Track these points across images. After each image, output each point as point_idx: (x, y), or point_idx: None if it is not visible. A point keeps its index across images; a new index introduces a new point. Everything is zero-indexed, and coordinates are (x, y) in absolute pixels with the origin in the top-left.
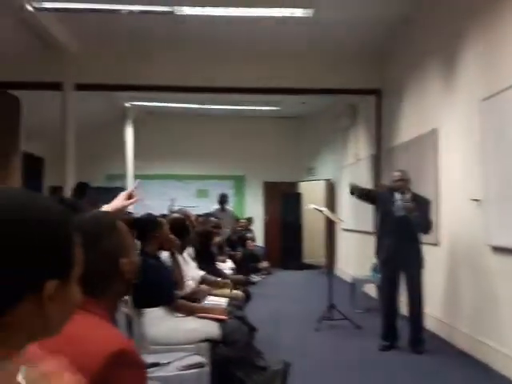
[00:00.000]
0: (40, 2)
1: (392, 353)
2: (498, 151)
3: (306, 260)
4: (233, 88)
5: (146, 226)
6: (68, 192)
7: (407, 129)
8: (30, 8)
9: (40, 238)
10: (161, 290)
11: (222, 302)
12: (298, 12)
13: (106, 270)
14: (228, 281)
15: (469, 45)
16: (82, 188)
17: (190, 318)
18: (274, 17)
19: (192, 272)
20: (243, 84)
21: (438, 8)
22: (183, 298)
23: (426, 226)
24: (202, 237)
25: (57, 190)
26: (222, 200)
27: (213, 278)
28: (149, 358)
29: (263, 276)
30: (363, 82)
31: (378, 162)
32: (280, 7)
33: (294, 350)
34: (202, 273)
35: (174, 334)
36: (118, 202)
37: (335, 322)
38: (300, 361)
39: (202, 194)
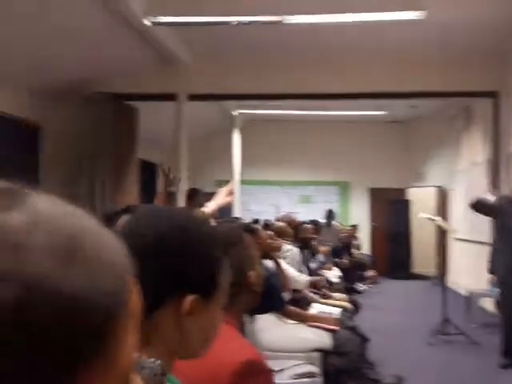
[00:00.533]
0: (157, 17)
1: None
2: None
3: (415, 270)
4: (340, 94)
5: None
6: (181, 197)
7: None
8: (148, 23)
9: (192, 255)
10: (271, 295)
11: (333, 311)
12: (411, 15)
13: (235, 281)
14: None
15: None
16: (193, 194)
17: (300, 326)
18: (384, 20)
19: (295, 275)
20: (351, 89)
21: None
22: (291, 303)
23: None
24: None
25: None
26: (329, 216)
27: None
28: None
29: (370, 285)
30: (479, 83)
31: (495, 168)
32: (391, 11)
33: (406, 363)
34: (308, 277)
35: (285, 342)
36: (220, 198)
37: (450, 337)
38: (413, 376)
39: (306, 200)
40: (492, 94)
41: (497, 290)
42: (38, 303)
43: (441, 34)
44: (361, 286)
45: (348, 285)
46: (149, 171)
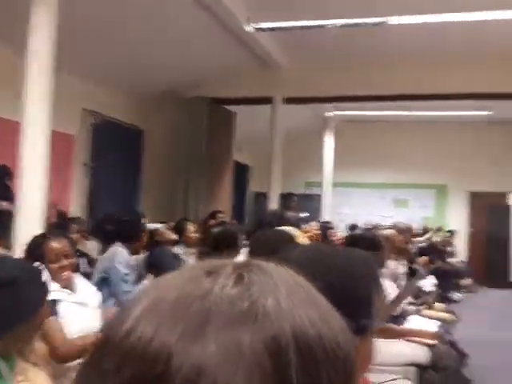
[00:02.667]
0: (258, 22)
1: None
2: None
3: None
4: (440, 94)
5: (362, 244)
6: (273, 198)
7: None
8: (250, 29)
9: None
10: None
11: (431, 323)
12: None
13: (357, 299)
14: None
15: None
16: (288, 197)
17: (397, 340)
18: (488, 20)
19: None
20: (451, 90)
21: None
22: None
23: None
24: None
25: (260, 196)
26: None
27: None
28: None
29: (466, 294)
30: None
31: None
32: (495, 10)
33: (504, 381)
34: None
35: (381, 354)
36: None
37: None
38: None
39: (401, 203)
40: None
41: None
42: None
43: None
44: (457, 295)
45: (443, 293)
46: (242, 173)
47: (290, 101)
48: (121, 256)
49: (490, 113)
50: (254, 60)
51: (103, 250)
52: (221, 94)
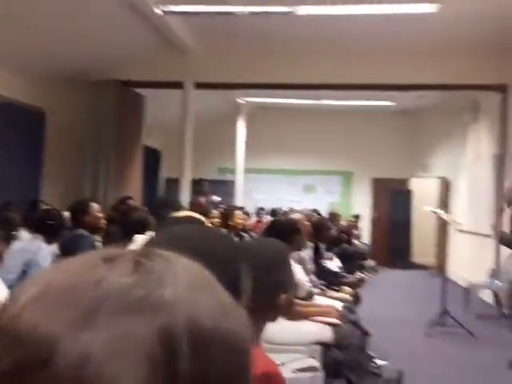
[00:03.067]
0: (167, 5)
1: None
2: None
3: (415, 260)
4: (348, 84)
5: (287, 229)
6: (184, 184)
7: None
8: (158, 12)
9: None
10: None
11: (335, 303)
12: (424, 8)
13: (267, 299)
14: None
15: None
16: (199, 183)
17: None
18: (396, 13)
19: (300, 273)
20: (359, 80)
21: None
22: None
23: None
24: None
25: (172, 182)
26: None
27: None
28: None
29: (369, 275)
30: (488, 77)
31: (501, 164)
32: (404, 3)
33: (404, 356)
34: (306, 277)
35: (286, 335)
36: None
37: (448, 329)
38: (411, 368)
39: (310, 189)
40: (501, 88)
41: (497, 283)
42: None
43: (452, 27)
44: (360, 276)
45: (348, 274)
46: (153, 158)
47: (200, 86)
48: (44, 252)
49: (393, 103)
50: (164, 44)
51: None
52: (131, 78)
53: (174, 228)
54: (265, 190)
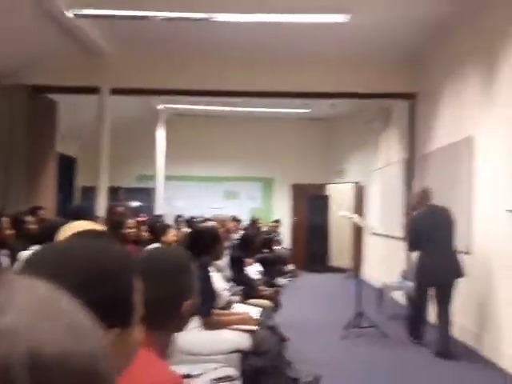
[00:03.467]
0: (80, 9)
1: (418, 362)
2: None
3: (333, 263)
4: (263, 92)
5: (207, 239)
6: (101, 192)
7: (442, 135)
8: (70, 15)
9: (102, 291)
10: (202, 301)
11: (253, 310)
12: (335, 18)
13: (171, 308)
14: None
15: None
16: (116, 191)
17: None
18: (309, 22)
19: (219, 282)
20: (274, 88)
21: (480, 12)
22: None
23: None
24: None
25: (89, 191)
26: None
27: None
28: (179, 369)
29: (289, 279)
30: (398, 85)
31: (410, 168)
32: (316, 13)
33: (321, 359)
34: (225, 284)
35: (204, 344)
36: None
37: (362, 330)
38: (328, 371)
39: (231, 195)
40: (409, 96)
41: (407, 283)
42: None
43: (363, 37)
44: (281, 281)
45: (269, 280)
46: (68, 165)
47: (117, 91)
48: None
49: (309, 111)
50: (78, 48)
51: None
52: (42, 82)
53: (56, 245)
54: (186, 197)
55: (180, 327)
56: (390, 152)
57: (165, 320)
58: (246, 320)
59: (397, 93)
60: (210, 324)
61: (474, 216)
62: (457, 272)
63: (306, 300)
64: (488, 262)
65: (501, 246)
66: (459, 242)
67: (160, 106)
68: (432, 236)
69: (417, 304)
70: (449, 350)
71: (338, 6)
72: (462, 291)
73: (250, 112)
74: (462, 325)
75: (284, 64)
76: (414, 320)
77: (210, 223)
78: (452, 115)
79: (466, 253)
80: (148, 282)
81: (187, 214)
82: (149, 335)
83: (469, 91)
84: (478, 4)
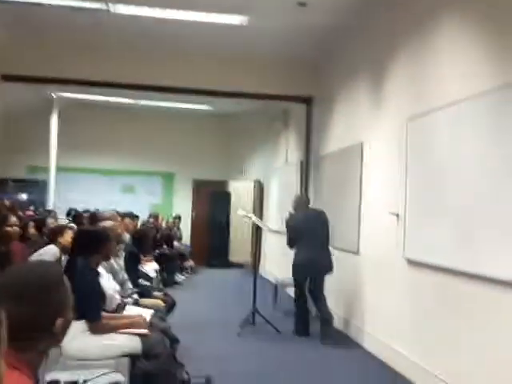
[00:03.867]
0: None
1: (309, 355)
2: (418, 170)
3: (233, 259)
4: (166, 87)
5: (94, 239)
6: None
7: (336, 139)
8: None
9: None
10: (89, 304)
11: (145, 312)
12: (233, 19)
13: (41, 327)
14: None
15: (399, 64)
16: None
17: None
18: (212, 22)
19: (110, 283)
20: (178, 84)
21: (372, 22)
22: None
23: None
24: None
25: None
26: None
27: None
28: (66, 375)
29: (188, 275)
30: (295, 89)
31: (306, 169)
32: (217, 13)
33: (216, 358)
34: (117, 287)
35: (93, 349)
36: None
37: (257, 327)
38: (223, 370)
39: (128, 189)
40: (306, 100)
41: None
42: None
43: (263, 40)
44: (180, 277)
45: (168, 276)
46: None
47: (7, 78)
48: None
49: (211, 107)
50: None
51: None
52: None
53: None
54: (80, 190)
55: (52, 345)
56: (288, 152)
57: (35, 340)
58: (137, 323)
59: (294, 96)
60: (98, 329)
61: (362, 218)
62: (327, 267)
63: (203, 296)
64: (373, 262)
65: (383, 247)
66: (348, 243)
67: (54, 95)
68: (306, 235)
69: (298, 299)
70: (329, 334)
71: (235, 7)
72: (337, 286)
73: (151, 106)
74: (339, 315)
75: (188, 61)
76: (298, 316)
77: (105, 222)
78: (345, 121)
79: (354, 252)
80: (15, 301)
81: (81, 207)
82: (19, 357)
83: (360, 99)
84: (370, 18)
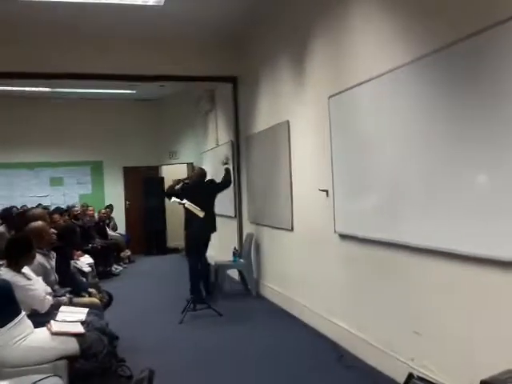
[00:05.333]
0: None
1: (253, 336)
2: (342, 147)
3: (170, 244)
4: (88, 74)
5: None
6: None
7: (263, 118)
8: None
9: None
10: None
11: (81, 311)
12: (149, 1)
13: None
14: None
15: (318, 43)
16: None
17: (45, 336)
18: (127, 4)
19: (41, 285)
20: (99, 70)
21: (296, 7)
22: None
23: None
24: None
25: None
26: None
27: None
28: None
29: (125, 265)
30: (221, 69)
31: (237, 149)
32: None
33: (158, 349)
34: (48, 288)
35: (28, 355)
36: None
37: (199, 312)
38: (165, 359)
39: (57, 182)
40: (231, 80)
41: (240, 260)
42: None
43: (182, 20)
44: (117, 268)
45: (104, 269)
46: None
47: None
48: None
49: (136, 92)
50: None
51: None
52: None
53: None
54: (6, 186)
55: None
56: (218, 133)
57: None
58: (73, 325)
59: (220, 76)
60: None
61: (293, 195)
62: (210, 229)
63: (142, 286)
64: (307, 238)
65: (316, 223)
66: (282, 220)
67: None
68: (194, 200)
69: (191, 266)
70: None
71: None
72: (274, 264)
73: (73, 93)
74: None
75: (107, 45)
76: (193, 283)
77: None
78: (270, 100)
79: (289, 229)
80: None
81: (6, 204)
82: None
83: (283, 79)
84: (293, 1)
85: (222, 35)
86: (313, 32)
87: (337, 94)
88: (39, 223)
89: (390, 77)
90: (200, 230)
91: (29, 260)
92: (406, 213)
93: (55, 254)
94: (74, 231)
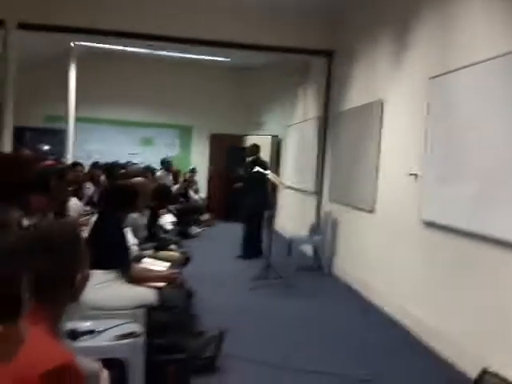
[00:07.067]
0: None
1: (322, 310)
2: (440, 131)
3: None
4: (183, 38)
5: (126, 196)
6: (6, 133)
7: (356, 95)
8: None
9: None
10: (122, 254)
11: (162, 265)
12: None
13: (62, 280)
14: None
15: (423, 20)
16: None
17: (126, 285)
18: None
19: (129, 238)
20: (193, 35)
21: None
22: None
23: None
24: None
25: None
26: (165, 164)
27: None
28: (84, 324)
29: (204, 228)
30: (316, 42)
31: (325, 125)
32: None
33: (228, 311)
34: (135, 240)
35: (110, 300)
36: None
37: (270, 281)
38: (235, 323)
39: (147, 142)
40: (327, 53)
41: (316, 237)
42: None
43: None
44: (195, 230)
45: (183, 229)
46: None
47: (24, 27)
48: None
49: (229, 59)
50: None
51: None
52: None
53: None
54: (98, 141)
55: (71, 300)
56: (307, 107)
57: (55, 295)
58: (168, 278)
59: (314, 49)
60: (132, 276)
61: (379, 177)
62: (266, 206)
63: (218, 249)
64: (388, 221)
65: (400, 207)
66: (365, 201)
67: (73, 43)
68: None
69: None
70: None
71: None
72: (352, 245)
73: (169, 56)
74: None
75: (203, 12)
76: (247, 242)
77: (135, 179)
78: (365, 77)
79: (370, 211)
80: (36, 257)
81: (100, 159)
82: (38, 311)
83: (381, 55)
84: None
85: (321, 8)
86: (416, 7)
87: (439, 75)
88: (141, 179)
89: (502, 61)
90: (265, 200)
91: (132, 210)
92: (502, 205)
93: (148, 212)
94: (169, 192)
